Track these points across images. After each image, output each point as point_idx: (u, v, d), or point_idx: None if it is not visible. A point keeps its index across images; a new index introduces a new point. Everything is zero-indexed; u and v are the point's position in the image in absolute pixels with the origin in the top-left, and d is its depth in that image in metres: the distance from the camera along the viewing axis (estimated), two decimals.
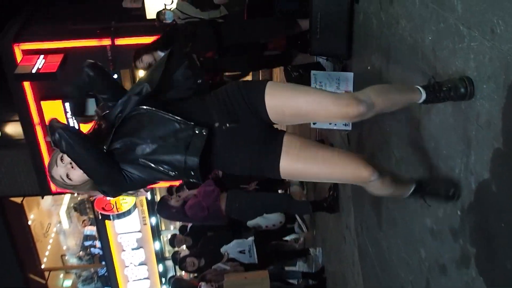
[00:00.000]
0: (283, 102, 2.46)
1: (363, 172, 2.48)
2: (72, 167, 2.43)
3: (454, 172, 2.63)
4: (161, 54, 5.01)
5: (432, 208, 2.94)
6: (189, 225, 7.16)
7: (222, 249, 6.27)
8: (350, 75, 4.37)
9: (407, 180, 2.92)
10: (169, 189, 6.36)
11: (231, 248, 6.27)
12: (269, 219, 6.67)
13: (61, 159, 2.44)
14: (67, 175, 2.46)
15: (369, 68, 3.97)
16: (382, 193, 2.79)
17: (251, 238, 6.33)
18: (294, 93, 2.47)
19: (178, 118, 2.41)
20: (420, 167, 3.08)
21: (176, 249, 7.45)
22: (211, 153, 2.51)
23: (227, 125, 2.50)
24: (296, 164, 2.51)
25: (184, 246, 7.30)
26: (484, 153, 2.32)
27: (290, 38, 5.33)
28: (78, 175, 2.45)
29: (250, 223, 6.37)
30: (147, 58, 4.97)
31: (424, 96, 2.57)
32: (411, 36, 3.07)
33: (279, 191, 7.24)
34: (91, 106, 2.75)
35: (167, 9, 6.19)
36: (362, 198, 4.47)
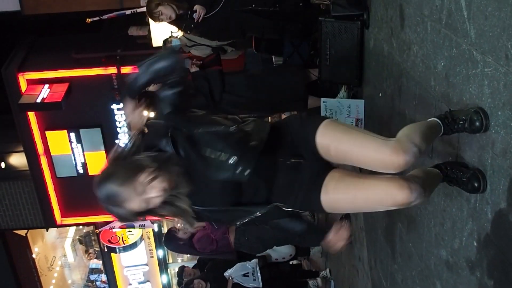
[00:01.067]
0: (329, 140, 2.44)
1: (399, 197, 2.27)
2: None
3: (469, 201, 2.61)
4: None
5: (447, 239, 2.92)
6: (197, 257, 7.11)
7: (226, 274, 6.20)
8: (361, 102, 4.38)
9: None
10: None
11: (234, 272, 6.20)
12: (279, 252, 6.62)
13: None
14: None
15: (380, 95, 3.97)
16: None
17: (254, 260, 6.26)
18: (342, 133, 2.44)
19: None
20: (434, 193, 3.06)
21: (185, 280, 7.39)
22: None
23: (291, 160, 2.50)
24: (333, 196, 2.45)
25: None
26: (500, 182, 2.30)
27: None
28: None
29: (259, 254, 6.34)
30: (165, 10, 4.95)
31: (442, 129, 2.53)
32: (423, 62, 3.08)
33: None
34: None
35: (174, 37, 6.25)
36: (375, 229, 4.44)
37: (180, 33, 5.86)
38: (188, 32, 5.37)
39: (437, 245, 3.09)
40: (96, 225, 12.18)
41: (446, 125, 2.52)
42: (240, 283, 6.20)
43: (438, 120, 2.54)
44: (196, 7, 4.84)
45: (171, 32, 6.29)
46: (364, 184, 2.37)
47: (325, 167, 2.53)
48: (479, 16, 2.36)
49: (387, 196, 2.30)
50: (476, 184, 2.44)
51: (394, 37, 3.56)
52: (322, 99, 4.56)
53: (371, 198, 2.37)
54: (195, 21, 4.91)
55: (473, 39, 2.43)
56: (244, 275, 6.20)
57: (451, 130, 2.52)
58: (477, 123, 2.37)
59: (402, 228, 3.72)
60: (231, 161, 2.27)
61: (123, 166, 2.20)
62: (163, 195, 2.19)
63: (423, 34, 3.03)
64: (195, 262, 7.44)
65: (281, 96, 5.22)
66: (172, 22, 5.14)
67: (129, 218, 2.35)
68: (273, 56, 6.26)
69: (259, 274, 6.19)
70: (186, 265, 7.45)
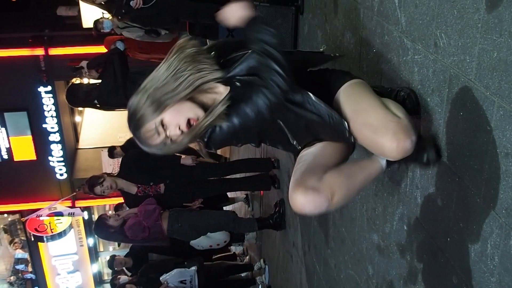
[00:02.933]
0: None
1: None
2: (181, 132, 2.05)
3: (400, 186, 2.68)
4: None
5: (379, 223, 2.99)
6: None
7: (162, 278, 6.14)
8: None
9: None
10: (117, 207, 6.26)
11: (171, 278, 6.15)
12: (213, 239, 6.62)
13: (163, 125, 2.04)
14: (173, 139, 2.08)
15: None
16: None
17: (193, 268, 6.24)
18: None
19: None
20: None
21: (116, 269, 7.28)
22: None
23: None
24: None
25: (124, 268, 7.15)
26: (429, 167, 2.37)
27: None
28: (188, 135, 2.06)
29: (194, 242, 6.31)
30: None
31: None
32: (356, 48, 3.13)
33: (224, 208, 7.20)
34: None
35: (105, 18, 6.13)
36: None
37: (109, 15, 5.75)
38: (119, 17, 5.27)
39: (369, 230, 3.16)
40: (22, 213, 11.87)
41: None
42: None
43: None
44: None
45: (102, 12, 6.16)
46: None
47: None
48: (409, 4, 2.42)
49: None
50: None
51: (328, 23, 3.60)
52: None
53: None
54: (134, 8, 4.82)
55: (404, 26, 2.49)
56: (181, 281, 6.16)
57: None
58: (409, 105, 2.40)
59: (335, 213, 3.78)
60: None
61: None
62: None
63: (356, 20, 3.08)
64: (128, 250, 7.36)
65: None
66: (102, 6, 5.03)
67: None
68: (207, 40, 6.23)
69: (196, 282, 6.17)
70: (117, 254, 7.35)
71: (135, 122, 2.04)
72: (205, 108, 2.07)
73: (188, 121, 2.04)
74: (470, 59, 1.99)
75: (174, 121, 2.02)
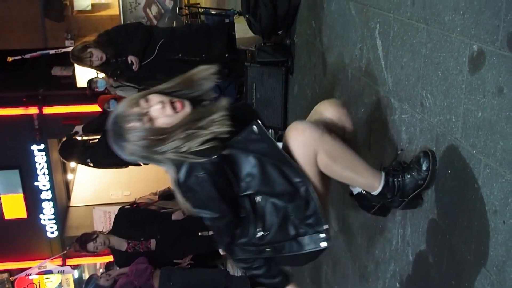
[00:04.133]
0: None
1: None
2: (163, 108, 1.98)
3: (392, 243, 2.68)
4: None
5: (371, 281, 2.97)
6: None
7: None
8: None
9: None
10: (108, 265, 6.17)
11: None
12: None
13: (146, 100, 2.00)
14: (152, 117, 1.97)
15: None
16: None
17: None
18: None
19: None
20: (358, 234, 3.12)
21: None
22: None
23: None
24: None
25: None
26: (419, 224, 2.37)
27: None
28: (167, 119, 1.98)
29: None
30: (96, 52, 4.87)
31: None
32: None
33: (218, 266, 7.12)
34: None
35: (99, 78, 6.19)
36: (302, 271, 4.46)
37: (103, 75, 5.82)
38: (115, 78, 5.34)
39: (362, 287, 3.12)
40: (11, 272, 11.64)
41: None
42: None
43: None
44: (131, 58, 4.84)
45: (96, 73, 6.23)
46: None
47: None
48: (395, 65, 2.47)
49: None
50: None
51: (317, 83, 3.66)
52: None
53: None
54: (134, 70, 4.90)
55: (391, 87, 2.53)
56: None
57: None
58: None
59: (327, 269, 3.75)
60: None
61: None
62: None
63: (344, 81, 3.13)
64: None
65: None
66: (97, 68, 5.10)
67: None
68: None
69: None
70: None
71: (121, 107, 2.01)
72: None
73: (173, 103, 1.99)
74: (455, 119, 2.02)
75: (158, 98, 1.99)
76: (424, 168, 2.23)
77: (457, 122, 2.01)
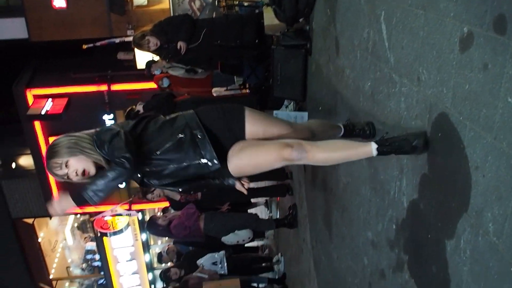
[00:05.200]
0: (261, 129, 2.57)
1: (283, 152, 2.41)
2: (76, 175, 2.37)
3: (390, 193, 2.63)
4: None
5: (373, 223, 2.94)
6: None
7: (198, 262, 6.13)
8: (305, 114, 4.39)
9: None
10: (164, 210, 6.28)
11: (205, 261, 6.14)
12: (239, 236, 6.58)
13: (66, 165, 2.35)
14: (68, 177, 2.39)
15: (320, 108, 3.99)
16: (329, 158, 2.54)
17: (222, 252, 6.22)
18: (270, 123, 2.62)
19: None
20: (362, 186, 3.08)
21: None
22: None
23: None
24: (237, 161, 2.54)
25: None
26: (413, 178, 2.33)
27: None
28: (78, 179, 2.39)
29: (224, 239, 6.28)
30: (152, 39, 4.88)
31: (342, 131, 2.84)
32: (354, 83, 3.10)
33: (248, 211, 7.17)
34: None
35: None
36: (316, 216, 4.46)
37: (158, 58, 5.79)
38: (167, 60, 5.33)
39: (365, 228, 3.10)
40: (91, 214, 11.97)
41: (346, 130, 2.85)
42: (210, 270, 6.14)
43: (340, 125, 2.87)
44: (180, 43, 4.81)
45: (152, 56, 6.22)
46: (261, 151, 2.49)
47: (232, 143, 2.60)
48: (397, 46, 2.39)
49: (280, 157, 2.43)
50: (368, 132, 2.74)
51: (331, 62, 3.58)
52: (275, 112, 4.56)
53: (266, 163, 2.50)
54: (181, 53, 4.87)
55: (393, 64, 2.46)
56: (213, 263, 6.14)
57: (350, 135, 2.84)
58: (368, 131, 2.78)
59: (337, 215, 3.74)
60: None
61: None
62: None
63: (354, 60, 3.05)
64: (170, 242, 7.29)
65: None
66: (153, 52, 5.09)
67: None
68: (234, 77, 6.25)
69: (225, 263, 6.14)
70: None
71: (51, 152, 2.36)
72: (98, 166, 2.39)
73: (84, 171, 2.36)
74: (446, 91, 1.95)
75: (75, 167, 2.35)
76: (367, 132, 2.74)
77: (448, 93, 1.94)
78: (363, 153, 2.42)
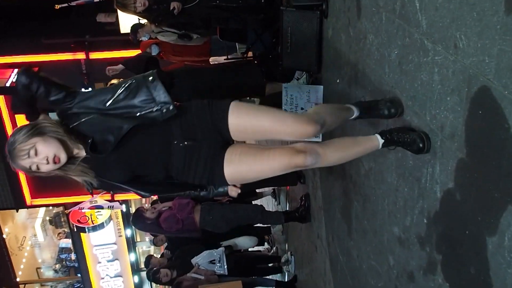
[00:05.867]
0: (246, 120, 2.62)
1: (295, 159, 2.58)
2: (47, 162, 2.44)
3: (421, 181, 2.66)
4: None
5: (400, 217, 2.97)
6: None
7: (193, 260, 6.19)
8: (320, 88, 4.40)
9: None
10: (153, 202, 6.34)
11: (202, 259, 6.20)
12: (243, 245, 6.69)
13: (36, 153, 2.42)
14: (37, 167, 2.46)
15: (338, 81, 4.00)
16: (339, 157, 2.82)
17: (221, 249, 6.27)
18: (258, 113, 2.64)
19: None
20: (387, 173, 3.11)
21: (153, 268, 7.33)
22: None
23: (185, 143, 2.64)
24: (239, 168, 2.65)
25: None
26: (448, 163, 2.34)
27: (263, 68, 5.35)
28: (49, 168, 2.47)
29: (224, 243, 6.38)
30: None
31: (356, 113, 2.91)
32: (378, 50, 3.10)
33: (253, 202, 7.22)
34: None
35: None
36: (333, 208, 4.49)
37: (146, 21, 5.79)
38: (156, 24, 5.33)
39: (390, 222, 3.13)
40: (66, 205, 12.04)
41: (363, 111, 2.91)
42: (206, 270, 6.20)
43: (352, 106, 2.94)
44: (174, 3, 4.80)
45: (138, 19, 6.20)
46: (269, 157, 2.61)
47: (222, 144, 2.70)
48: (430, 7, 2.39)
49: (291, 166, 2.60)
50: (421, 145, 2.54)
51: (351, 27, 3.58)
52: (283, 85, 4.56)
53: (276, 170, 2.65)
54: (175, 14, 4.87)
55: (425, 29, 2.46)
56: (211, 262, 6.20)
57: (367, 115, 2.94)
58: (392, 110, 2.78)
59: (357, 206, 3.77)
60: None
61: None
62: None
63: (378, 24, 3.05)
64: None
65: (239, 91, 5.28)
66: (140, 14, 5.08)
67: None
68: (236, 44, 6.24)
69: (225, 262, 6.19)
70: (153, 255, 7.44)
71: (12, 140, 2.44)
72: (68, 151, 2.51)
73: (54, 157, 2.43)
74: (489, 60, 1.95)
75: (44, 152, 2.41)
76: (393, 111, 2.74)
77: (490, 63, 1.94)
78: (370, 147, 2.81)
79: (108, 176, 2.65)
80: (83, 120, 2.54)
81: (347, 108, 2.94)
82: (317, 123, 2.58)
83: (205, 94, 4.76)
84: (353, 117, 2.93)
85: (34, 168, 2.46)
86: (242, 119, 2.62)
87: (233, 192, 2.94)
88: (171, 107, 2.56)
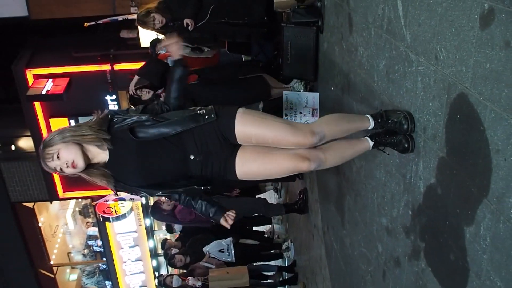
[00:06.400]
0: (251, 130, 2.59)
1: (301, 165, 2.60)
2: (67, 166, 2.46)
3: (406, 177, 2.64)
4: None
5: (387, 209, 2.95)
6: (174, 225, 7.02)
7: (204, 249, 6.19)
8: (316, 95, 4.39)
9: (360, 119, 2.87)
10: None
11: (212, 248, 6.19)
12: None
13: (58, 157, 2.44)
14: (61, 169, 2.48)
15: (332, 88, 3.98)
16: (342, 157, 2.83)
17: (229, 239, 6.26)
18: (262, 124, 2.60)
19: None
20: (376, 170, 3.09)
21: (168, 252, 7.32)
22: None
23: (201, 157, 2.62)
24: (250, 167, 2.65)
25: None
26: (430, 161, 2.33)
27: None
28: (70, 171, 2.48)
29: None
30: (158, 16, 4.90)
31: (372, 124, 2.74)
32: (368, 61, 3.08)
33: (257, 196, 7.21)
34: None
35: (159, 39, 6.17)
36: (328, 201, 4.47)
37: (163, 36, 5.78)
38: None
39: (379, 214, 3.12)
40: (93, 198, 12.08)
41: (377, 122, 2.73)
42: (216, 258, 6.19)
43: (369, 116, 2.76)
44: (187, 20, 4.79)
45: (157, 34, 6.20)
46: (277, 161, 2.62)
47: (231, 147, 2.67)
48: (413, 23, 2.37)
49: (296, 169, 2.63)
50: (406, 145, 2.52)
51: (344, 40, 3.56)
52: (284, 92, 4.55)
53: (282, 171, 2.65)
54: (189, 30, 4.86)
55: (409, 42, 2.44)
56: (220, 250, 6.19)
57: (381, 127, 2.72)
58: (405, 126, 2.50)
59: (350, 199, 3.75)
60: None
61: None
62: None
63: (368, 38, 3.03)
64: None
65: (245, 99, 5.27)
66: (158, 30, 5.07)
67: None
68: (242, 56, 6.22)
69: (232, 251, 6.19)
70: (168, 238, 7.42)
71: (44, 143, 2.46)
72: (87, 157, 2.52)
73: (72, 162, 2.45)
74: (466, 70, 1.94)
75: (64, 158, 2.43)
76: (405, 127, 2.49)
77: (467, 72, 1.93)
78: (363, 149, 2.80)
79: (127, 181, 2.63)
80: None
81: (361, 118, 2.81)
82: (316, 135, 2.58)
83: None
84: (370, 128, 2.77)
85: (58, 169, 2.48)
86: (248, 128, 2.58)
87: (226, 224, 2.91)
88: (212, 115, 2.57)
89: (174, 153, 2.57)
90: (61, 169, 2.47)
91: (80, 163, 2.47)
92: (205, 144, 2.60)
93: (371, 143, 2.78)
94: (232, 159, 2.64)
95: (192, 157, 2.59)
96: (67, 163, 2.44)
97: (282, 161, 2.61)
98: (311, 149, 2.65)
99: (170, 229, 7.02)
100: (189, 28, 4.83)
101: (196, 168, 2.64)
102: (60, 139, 2.45)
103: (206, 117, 2.56)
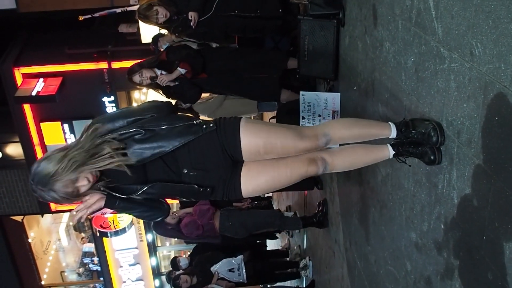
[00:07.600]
0: (259, 140, 2.65)
1: (310, 169, 2.74)
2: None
3: (437, 187, 2.64)
4: (158, 71, 5.05)
5: (417, 222, 2.94)
6: (180, 262, 6.94)
7: (212, 268, 6.18)
8: (337, 95, 4.39)
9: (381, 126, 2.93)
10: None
11: (220, 267, 6.19)
12: None
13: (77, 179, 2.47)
14: (78, 190, 2.52)
15: (355, 88, 3.99)
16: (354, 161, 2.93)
17: (240, 257, 6.26)
18: (269, 131, 2.68)
19: None
20: (404, 179, 3.09)
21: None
22: None
23: (195, 173, 2.67)
24: (257, 181, 2.72)
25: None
26: (465, 169, 2.32)
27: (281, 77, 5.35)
28: (87, 188, 2.53)
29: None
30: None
31: (394, 132, 2.80)
32: (394, 58, 3.09)
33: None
34: None
35: (161, 34, 6.21)
36: (350, 213, 4.47)
37: (166, 31, 5.82)
38: (176, 34, 5.36)
39: (408, 228, 3.11)
40: None
41: (400, 131, 2.76)
42: (226, 278, 6.19)
43: (392, 124, 2.82)
44: (191, 13, 4.83)
45: (159, 29, 6.25)
46: (281, 167, 2.71)
47: (232, 166, 2.72)
48: (446, 15, 2.38)
49: (307, 174, 2.77)
50: (432, 157, 2.56)
51: (368, 35, 3.57)
52: (301, 92, 4.55)
53: (292, 179, 2.77)
54: (192, 26, 4.89)
55: (441, 36, 2.44)
56: (230, 270, 6.19)
57: (406, 137, 2.74)
58: (434, 138, 2.52)
59: (375, 212, 3.75)
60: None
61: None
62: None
63: (395, 32, 3.04)
64: (182, 245, 7.39)
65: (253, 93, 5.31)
66: (161, 25, 5.11)
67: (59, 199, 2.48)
68: None
69: (244, 270, 6.19)
70: (177, 256, 7.42)
71: (51, 178, 2.39)
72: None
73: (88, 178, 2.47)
74: (505, 67, 1.94)
75: (86, 180, 2.47)
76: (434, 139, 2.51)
77: (506, 70, 1.93)
78: (381, 157, 2.87)
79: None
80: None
81: (381, 125, 2.88)
82: (321, 137, 2.73)
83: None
84: (390, 136, 2.83)
85: (74, 194, 2.53)
86: (254, 138, 2.65)
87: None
88: (211, 124, 2.65)
89: (169, 176, 2.65)
90: (78, 190, 2.51)
91: (83, 189, 2.55)
92: (201, 161, 2.65)
93: (392, 151, 2.81)
94: (236, 178, 2.70)
95: (185, 171, 2.65)
96: (87, 178, 2.50)
97: (290, 167, 2.72)
98: (317, 152, 2.77)
99: (175, 265, 6.89)
100: (191, 23, 4.86)
101: (191, 181, 2.69)
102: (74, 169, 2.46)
103: (204, 126, 2.62)
